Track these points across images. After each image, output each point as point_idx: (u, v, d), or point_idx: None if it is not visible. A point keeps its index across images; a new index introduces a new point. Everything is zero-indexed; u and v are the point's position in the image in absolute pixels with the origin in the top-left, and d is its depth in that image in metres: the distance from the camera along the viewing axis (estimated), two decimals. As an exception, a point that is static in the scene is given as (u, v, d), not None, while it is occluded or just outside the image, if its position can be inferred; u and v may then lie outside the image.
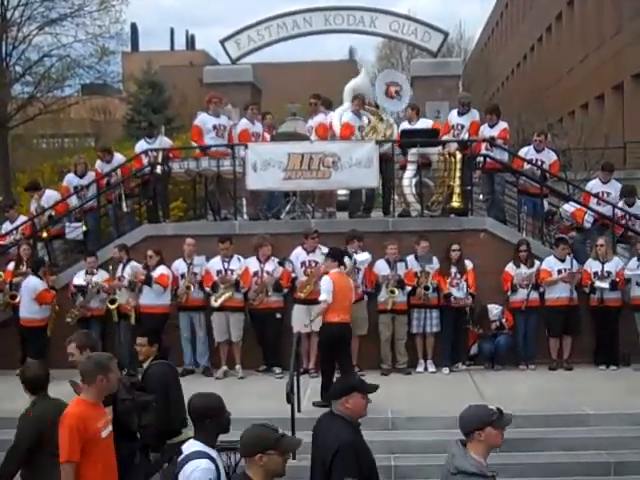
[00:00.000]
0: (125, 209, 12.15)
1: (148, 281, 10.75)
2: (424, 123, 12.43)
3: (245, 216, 12.08)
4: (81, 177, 12.52)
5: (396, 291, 10.72)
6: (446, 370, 10.82)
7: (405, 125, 12.50)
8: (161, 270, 10.87)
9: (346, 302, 9.02)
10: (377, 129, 12.20)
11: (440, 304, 10.82)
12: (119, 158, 12.81)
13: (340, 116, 12.38)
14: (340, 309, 8.90)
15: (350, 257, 9.96)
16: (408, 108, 12.89)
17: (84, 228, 12.01)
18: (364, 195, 12.44)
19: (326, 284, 8.99)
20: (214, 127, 12.07)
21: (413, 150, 11.72)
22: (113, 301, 10.96)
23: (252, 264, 10.93)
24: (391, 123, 12.49)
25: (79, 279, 11.19)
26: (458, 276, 10.85)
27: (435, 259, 10.96)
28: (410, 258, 10.96)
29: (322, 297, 8.94)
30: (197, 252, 11.10)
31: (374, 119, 12.34)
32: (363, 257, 10.55)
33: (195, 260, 11.05)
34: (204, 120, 12.18)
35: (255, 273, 10.85)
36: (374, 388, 4.71)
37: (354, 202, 12.26)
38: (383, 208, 12.74)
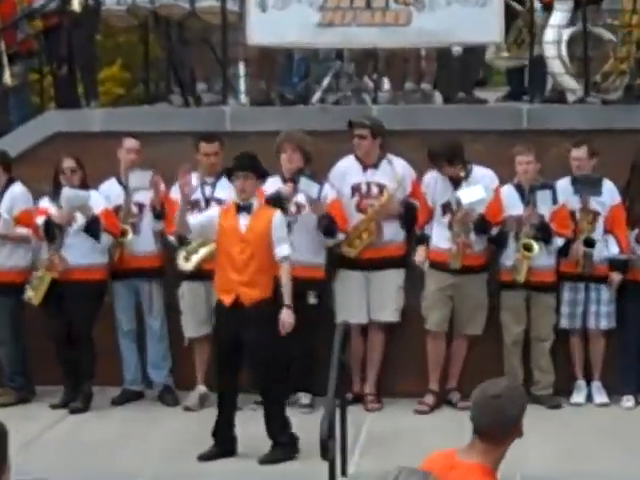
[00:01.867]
0: (9, 82, 12.34)
1: (93, 228, 10.90)
2: None
3: (243, 97, 12.30)
4: None
5: (535, 246, 10.81)
6: (629, 401, 10.99)
7: None
8: (98, 200, 11.16)
9: None
10: None
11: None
12: None
13: None
14: None
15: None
16: None
17: None
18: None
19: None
20: None
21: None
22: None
23: (271, 187, 10.81)
24: None
25: None
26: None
27: (610, 185, 11.01)
28: (563, 183, 11.13)
29: (287, 252, 9.84)
30: (143, 164, 11.27)
31: None
32: (476, 195, 10.62)
33: (131, 179, 11.17)
34: None
35: None
36: None
37: (447, 73, 12.60)
38: (511, 86, 13.19)
